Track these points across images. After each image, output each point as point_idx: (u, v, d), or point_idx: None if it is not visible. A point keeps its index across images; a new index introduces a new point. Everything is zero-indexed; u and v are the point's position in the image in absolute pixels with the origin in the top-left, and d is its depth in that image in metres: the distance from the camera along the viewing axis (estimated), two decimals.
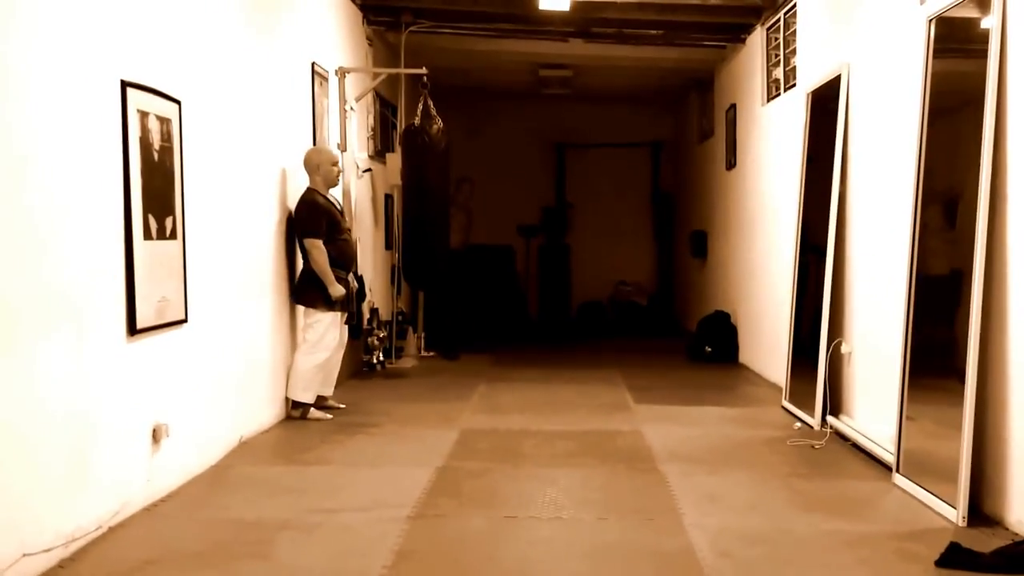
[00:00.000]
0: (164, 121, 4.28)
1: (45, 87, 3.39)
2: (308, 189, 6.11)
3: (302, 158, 6.22)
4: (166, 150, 4.31)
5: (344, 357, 7.39)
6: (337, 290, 5.99)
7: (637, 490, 4.54)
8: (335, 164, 6.25)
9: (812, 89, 6.54)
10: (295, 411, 6.09)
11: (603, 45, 9.38)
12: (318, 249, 5.95)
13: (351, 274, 6.28)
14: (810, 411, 5.94)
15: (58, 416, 3.46)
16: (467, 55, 9.83)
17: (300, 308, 6.15)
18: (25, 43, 3.28)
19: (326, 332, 6.09)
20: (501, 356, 9.29)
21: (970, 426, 3.91)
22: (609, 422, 6.14)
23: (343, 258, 6.14)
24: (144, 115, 4.09)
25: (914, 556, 3.54)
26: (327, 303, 6.03)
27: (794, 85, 7.25)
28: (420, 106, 7.77)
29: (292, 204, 6.22)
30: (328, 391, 6.29)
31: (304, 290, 6.09)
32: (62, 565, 3.40)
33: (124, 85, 3.92)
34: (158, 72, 4.24)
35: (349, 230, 6.37)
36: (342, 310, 6.17)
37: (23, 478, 3.25)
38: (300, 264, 6.16)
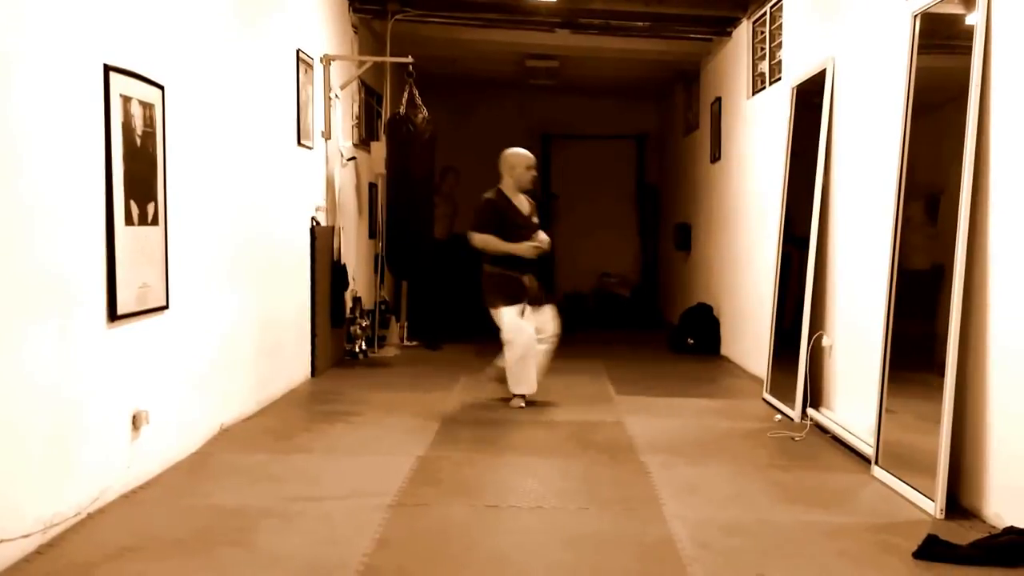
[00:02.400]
0: (147, 106, 4.25)
1: (27, 70, 3.36)
2: (494, 189, 6.23)
3: (500, 157, 6.32)
4: (149, 136, 4.28)
5: (326, 346, 7.40)
6: (525, 248, 6.07)
7: (618, 481, 4.55)
8: (530, 168, 6.28)
9: (797, 83, 6.55)
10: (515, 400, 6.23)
11: (589, 36, 9.37)
12: (481, 236, 6.11)
13: (528, 275, 6.25)
14: (791, 403, 5.97)
15: (37, 402, 3.44)
16: (453, 44, 9.79)
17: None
18: (9, 25, 3.25)
19: (520, 324, 6.13)
20: (484, 347, 9.26)
21: (949, 420, 3.94)
22: (591, 413, 6.15)
23: (518, 258, 6.15)
24: (127, 100, 4.06)
25: (892, 547, 3.56)
26: (505, 299, 6.12)
27: (779, 79, 7.27)
28: (405, 95, 7.75)
29: (279, 191, 6.20)
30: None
31: (483, 293, 6.20)
32: (40, 551, 3.38)
33: (107, 69, 3.89)
34: (141, 57, 4.21)
35: (529, 231, 6.29)
36: (522, 301, 6.18)
37: (0, 464, 3.23)
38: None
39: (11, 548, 3.24)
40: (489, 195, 6.26)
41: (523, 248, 6.13)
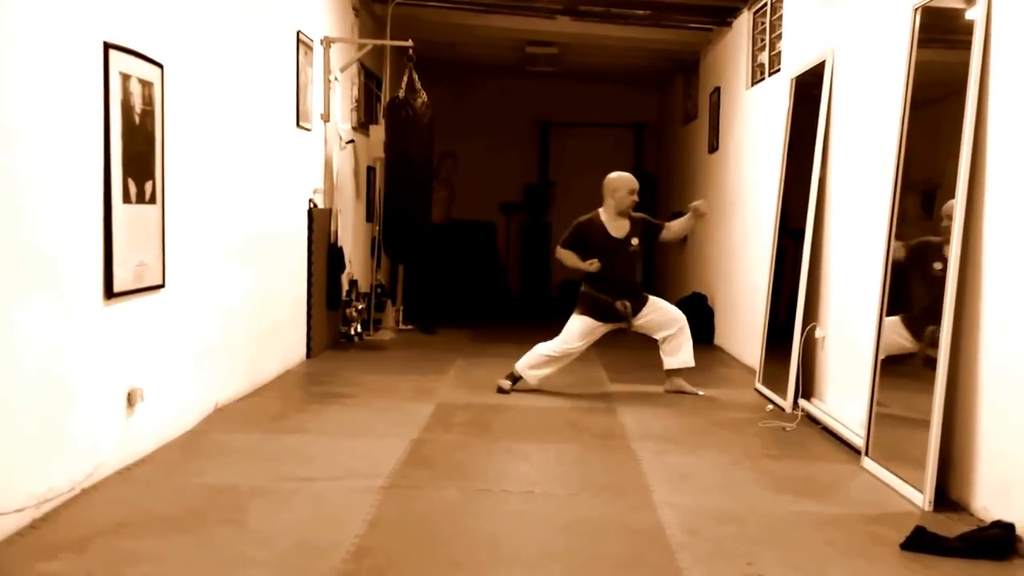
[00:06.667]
0: (146, 85, 4.25)
1: (27, 47, 3.36)
2: (593, 212, 6.41)
3: (604, 180, 6.45)
4: (147, 114, 4.28)
5: (322, 328, 7.42)
6: (591, 264, 6.25)
7: (609, 467, 4.58)
8: (632, 192, 6.33)
9: (796, 74, 6.56)
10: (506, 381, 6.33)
11: (590, 23, 9.36)
12: (558, 251, 6.45)
13: (620, 300, 6.33)
14: (783, 394, 6.00)
15: (32, 378, 3.45)
16: (454, 29, 9.78)
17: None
18: (8, 1, 3.25)
19: (579, 337, 6.36)
20: (479, 332, 9.31)
21: (939, 414, 3.96)
22: (584, 400, 6.18)
23: (608, 279, 6.30)
24: (126, 78, 4.06)
25: (880, 538, 3.59)
26: (586, 311, 6.37)
27: (779, 70, 7.27)
28: (405, 79, 7.75)
29: (277, 173, 6.21)
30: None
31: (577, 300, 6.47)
32: (34, 526, 3.40)
33: (107, 47, 3.89)
34: (141, 35, 4.20)
35: (621, 253, 6.38)
36: (602, 320, 6.38)
37: None
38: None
39: (5, 522, 3.26)
40: (581, 218, 6.45)
41: (587, 264, 6.31)
